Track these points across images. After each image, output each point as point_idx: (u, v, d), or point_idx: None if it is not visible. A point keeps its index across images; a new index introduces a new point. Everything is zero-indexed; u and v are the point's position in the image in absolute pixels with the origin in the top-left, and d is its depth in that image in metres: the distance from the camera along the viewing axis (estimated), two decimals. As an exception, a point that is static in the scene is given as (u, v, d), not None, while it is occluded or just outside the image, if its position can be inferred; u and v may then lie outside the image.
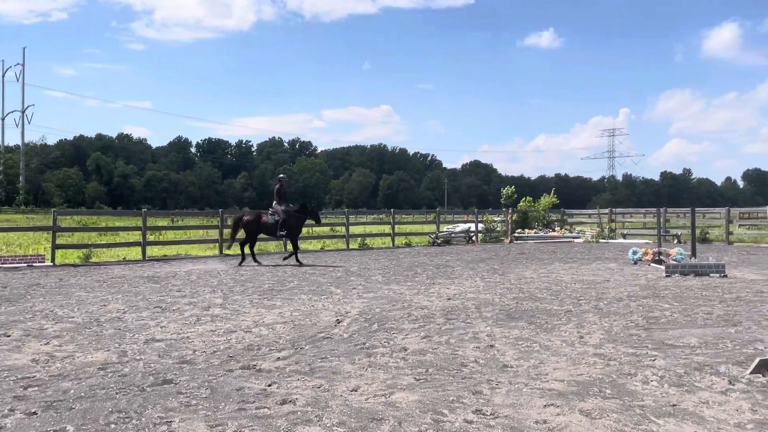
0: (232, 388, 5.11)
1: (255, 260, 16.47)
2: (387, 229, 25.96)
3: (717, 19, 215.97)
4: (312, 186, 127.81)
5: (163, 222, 38.08)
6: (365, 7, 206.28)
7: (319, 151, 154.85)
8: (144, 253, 18.17)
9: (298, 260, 16.20)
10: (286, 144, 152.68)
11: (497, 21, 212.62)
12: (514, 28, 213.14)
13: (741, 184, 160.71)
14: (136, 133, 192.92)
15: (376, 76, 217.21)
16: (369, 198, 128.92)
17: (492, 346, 6.61)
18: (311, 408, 4.58)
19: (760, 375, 5.32)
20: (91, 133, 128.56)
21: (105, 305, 9.46)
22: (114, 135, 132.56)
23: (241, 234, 16.79)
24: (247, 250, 16.53)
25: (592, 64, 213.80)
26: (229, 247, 18.62)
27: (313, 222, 17.63)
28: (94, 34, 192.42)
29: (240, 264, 15.98)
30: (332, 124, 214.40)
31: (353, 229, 25.51)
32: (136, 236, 19.54)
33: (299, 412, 4.49)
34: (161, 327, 7.73)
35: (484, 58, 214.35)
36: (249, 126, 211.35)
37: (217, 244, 20.52)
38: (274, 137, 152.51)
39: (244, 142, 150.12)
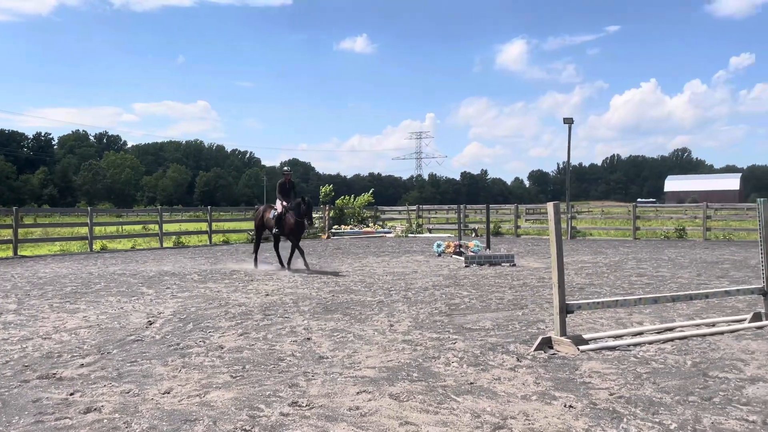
0: (27, 399, 4.72)
1: (280, 262, 14.46)
2: (204, 226, 25.14)
3: (508, 35, 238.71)
4: (122, 182, 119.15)
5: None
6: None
7: (129, 145, 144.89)
8: None
9: (305, 263, 13.97)
10: (92, 137, 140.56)
11: (314, 23, 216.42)
12: (330, 31, 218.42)
13: (527, 183, 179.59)
14: None
15: (192, 70, 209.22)
16: (185, 195, 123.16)
17: (309, 338, 6.77)
18: (119, 414, 4.39)
19: (542, 351, 6.06)
20: None
21: None
22: None
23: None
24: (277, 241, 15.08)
25: (402, 70, 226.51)
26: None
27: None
28: None
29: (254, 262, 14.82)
30: (145, 119, 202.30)
31: (168, 227, 24.40)
32: None
33: (105, 420, 4.28)
34: (-61, 339, 6.87)
35: (303, 58, 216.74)
36: (49, 118, 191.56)
37: (11, 245, 18.49)
38: (78, 130, 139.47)
39: (43, 134, 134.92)
